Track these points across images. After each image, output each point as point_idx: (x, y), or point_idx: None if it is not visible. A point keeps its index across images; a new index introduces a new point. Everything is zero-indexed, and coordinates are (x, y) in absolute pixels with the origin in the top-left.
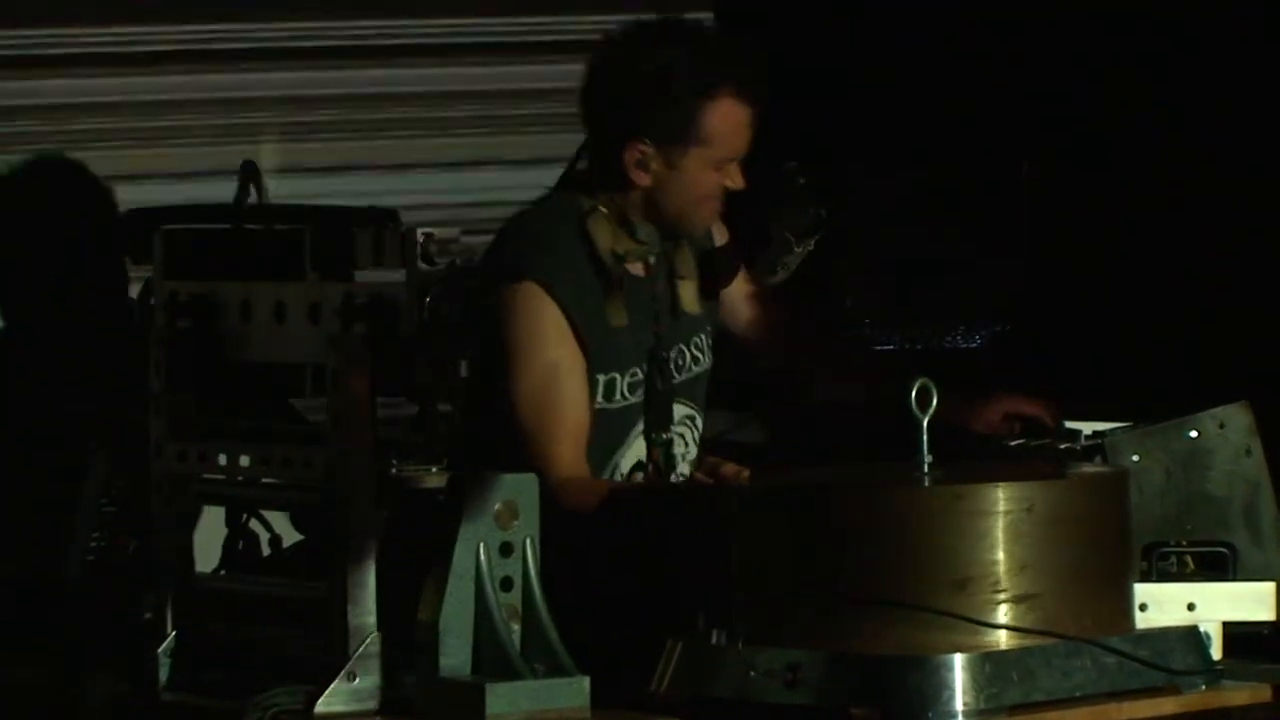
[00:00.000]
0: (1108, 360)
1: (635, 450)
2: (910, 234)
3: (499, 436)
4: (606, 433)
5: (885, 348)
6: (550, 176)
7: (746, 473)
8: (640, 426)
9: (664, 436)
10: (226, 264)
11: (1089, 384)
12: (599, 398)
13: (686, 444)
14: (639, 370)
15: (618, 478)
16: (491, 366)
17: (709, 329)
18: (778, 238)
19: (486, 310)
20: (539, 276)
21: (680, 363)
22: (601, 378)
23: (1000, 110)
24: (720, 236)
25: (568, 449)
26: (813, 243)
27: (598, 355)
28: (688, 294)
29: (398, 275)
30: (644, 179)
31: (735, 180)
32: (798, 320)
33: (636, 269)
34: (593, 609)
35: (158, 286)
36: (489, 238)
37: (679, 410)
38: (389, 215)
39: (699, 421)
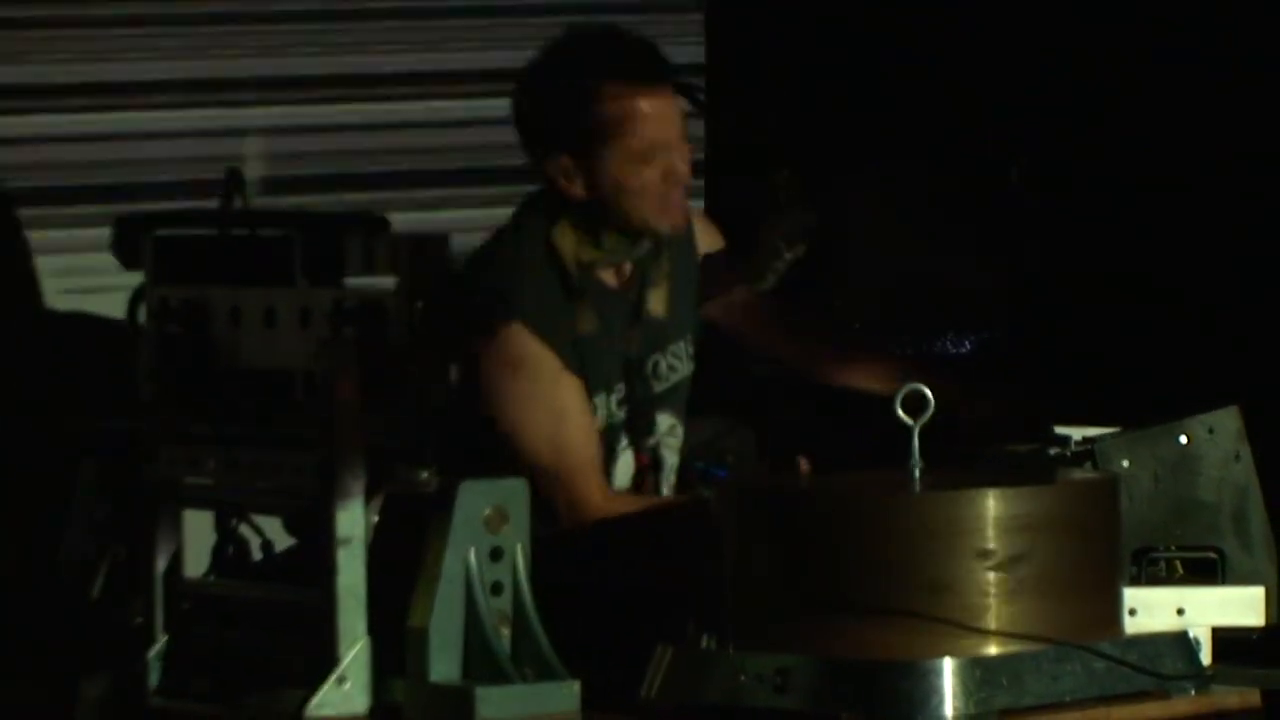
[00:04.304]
0: (1097, 365)
1: (624, 462)
2: (899, 239)
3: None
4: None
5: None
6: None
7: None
8: (625, 439)
9: (650, 441)
10: (217, 269)
11: (1079, 389)
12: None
13: (672, 453)
14: (623, 385)
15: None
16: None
17: (689, 336)
18: (768, 243)
19: (471, 354)
20: (520, 316)
21: (659, 372)
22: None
23: (990, 115)
24: (708, 243)
25: (595, 483)
26: (803, 248)
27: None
28: (656, 299)
29: (388, 281)
30: (576, 189)
31: (675, 169)
32: (794, 317)
33: (609, 279)
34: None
35: (148, 292)
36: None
37: (663, 421)
38: (379, 221)
39: (680, 431)
